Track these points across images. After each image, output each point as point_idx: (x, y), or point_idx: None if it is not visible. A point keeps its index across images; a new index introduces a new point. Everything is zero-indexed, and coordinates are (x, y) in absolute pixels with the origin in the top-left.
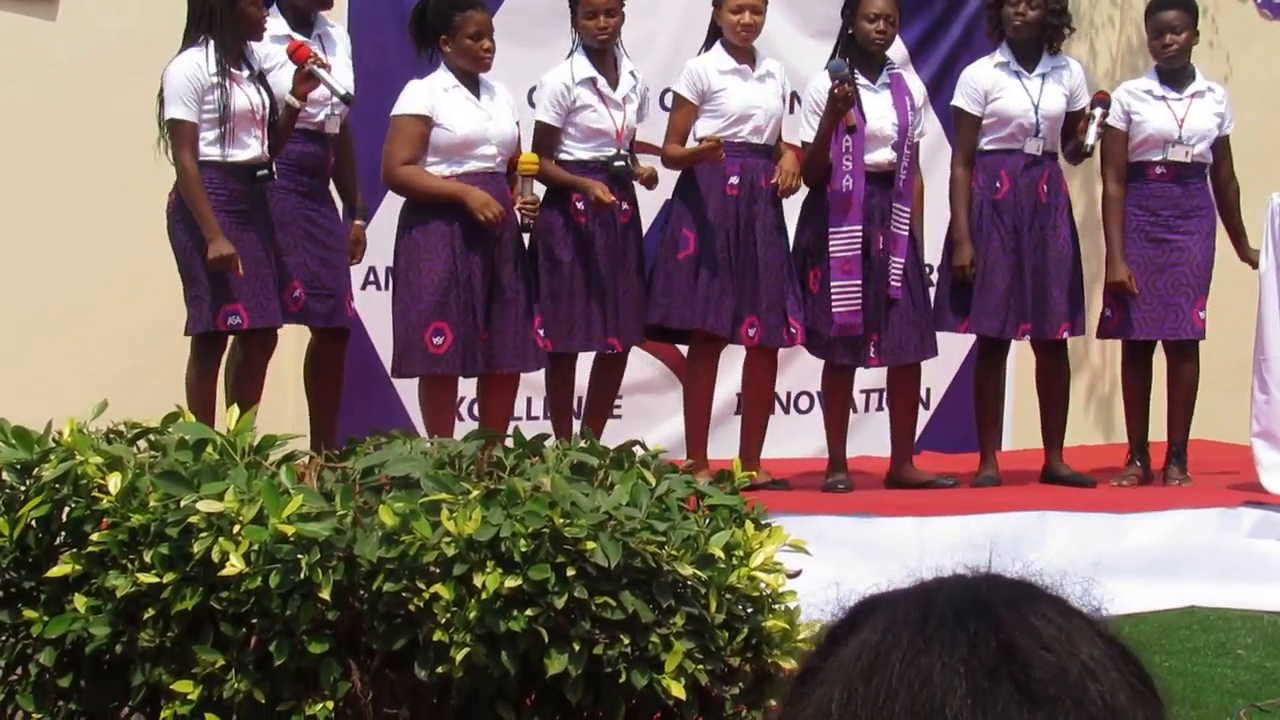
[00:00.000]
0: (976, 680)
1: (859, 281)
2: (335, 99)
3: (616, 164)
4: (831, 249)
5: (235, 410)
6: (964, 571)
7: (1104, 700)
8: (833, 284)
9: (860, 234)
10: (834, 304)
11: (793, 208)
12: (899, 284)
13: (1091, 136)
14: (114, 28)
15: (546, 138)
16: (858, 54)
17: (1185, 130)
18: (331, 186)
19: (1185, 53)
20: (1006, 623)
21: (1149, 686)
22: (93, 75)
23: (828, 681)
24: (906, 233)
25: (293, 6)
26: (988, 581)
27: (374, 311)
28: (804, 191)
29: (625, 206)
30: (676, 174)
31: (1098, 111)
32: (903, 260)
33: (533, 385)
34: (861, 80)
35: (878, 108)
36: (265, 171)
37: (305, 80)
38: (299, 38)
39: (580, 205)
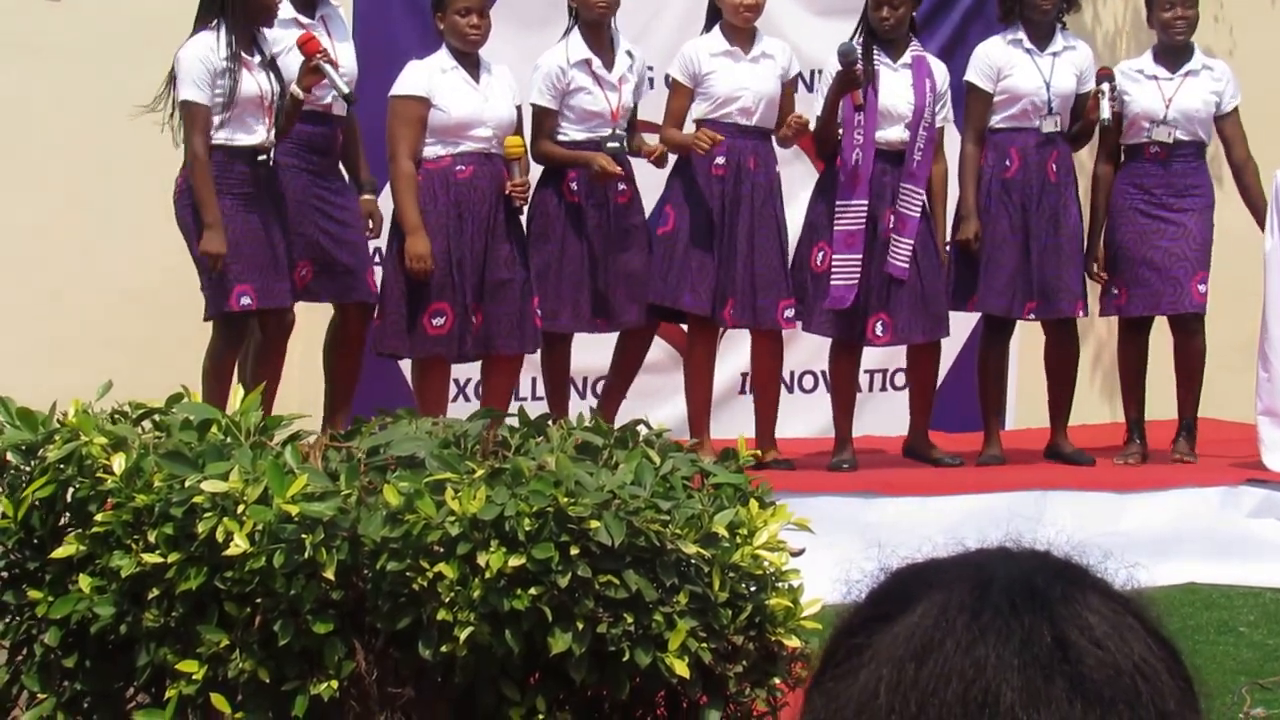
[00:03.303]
0: (1030, 675)
1: (859, 257)
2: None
3: (610, 144)
4: (836, 223)
5: (240, 390)
6: (1010, 545)
7: (1155, 705)
8: (834, 257)
9: (865, 209)
10: (833, 277)
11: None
12: (904, 264)
13: (1105, 111)
14: (121, 7)
15: (543, 120)
16: (878, 38)
17: (1171, 110)
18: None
19: (1192, 29)
20: (1060, 616)
21: (1192, 687)
22: (100, 56)
23: (876, 660)
24: (918, 214)
25: None
26: (1041, 567)
27: None
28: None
29: (622, 186)
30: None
31: (1106, 86)
32: (910, 241)
33: (536, 365)
34: (882, 59)
35: (895, 86)
36: (264, 156)
37: (311, 73)
38: (306, 20)
39: (574, 185)
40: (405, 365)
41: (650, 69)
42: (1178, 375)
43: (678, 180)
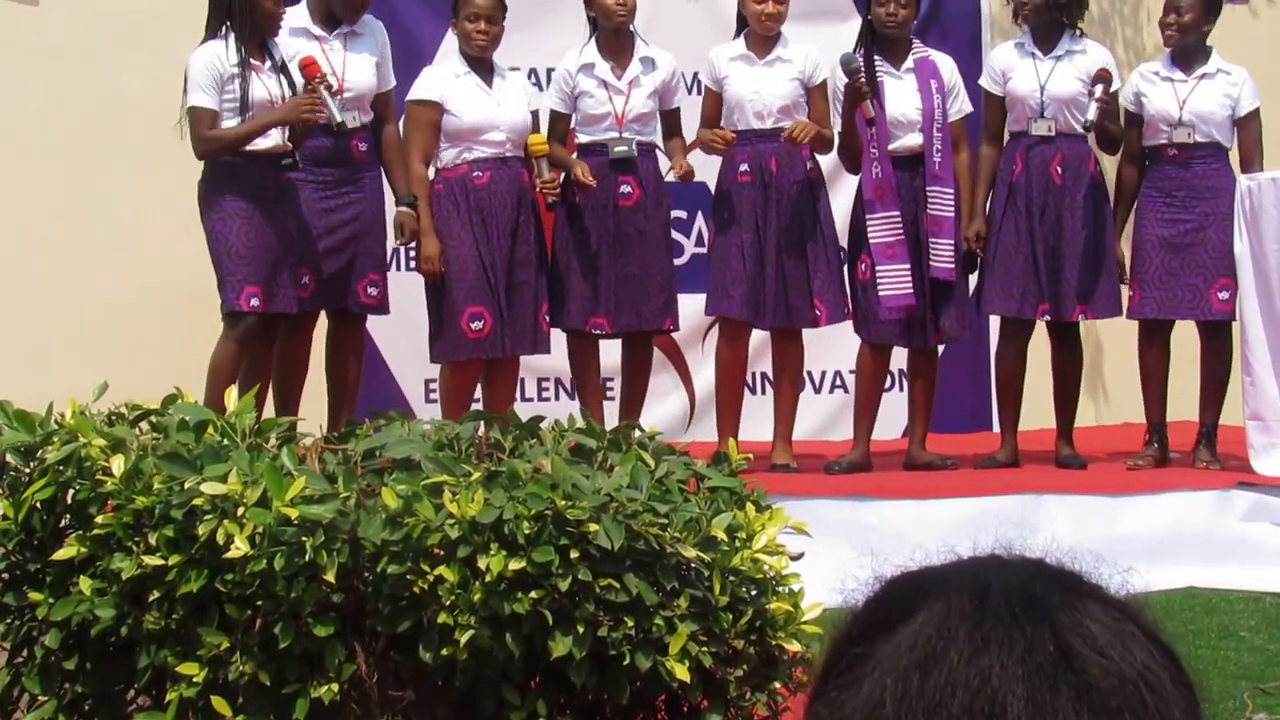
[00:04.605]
0: (1035, 685)
1: (906, 266)
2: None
3: (617, 148)
4: (871, 236)
5: (234, 391)
6: (1001, 553)
7: (1160, 714)
8: (878, 268)
9: (898, 219)
10: (880, 289)
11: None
12: (948, 264)
13: (1091, 113)
14: (99, 7)
15: (554, 122)
16: (881, 40)
17: (1186, 112)
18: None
19: (1186, 33)
20: (1061, 625)
21: (1193, 692)
22: (83, 57)
23: (879, 670)
24: (951, 213)
25: (324, 4)
26: (1037, 574)
27: None
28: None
29: (627, 190)
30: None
31: (1097, 89)
32: (949, 240)
33: (525, 366)
34: (885, 67)
35: (901, 94)
36: (290, 160)
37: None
38: (318, 32)
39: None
40: (400, 370)
41: (675, 75)
42: (1201, 381)
43: (715, 194)
